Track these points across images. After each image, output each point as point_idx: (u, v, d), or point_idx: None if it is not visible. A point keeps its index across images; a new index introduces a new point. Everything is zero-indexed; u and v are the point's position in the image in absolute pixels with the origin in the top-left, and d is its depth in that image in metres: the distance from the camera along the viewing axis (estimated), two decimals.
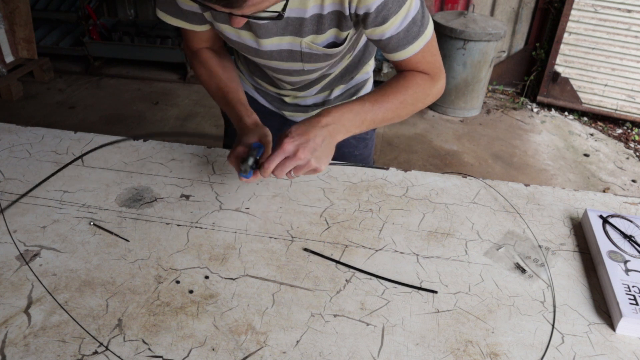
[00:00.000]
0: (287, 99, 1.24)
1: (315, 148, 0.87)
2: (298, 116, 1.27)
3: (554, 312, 0.80)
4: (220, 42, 1.12)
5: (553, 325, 0.78)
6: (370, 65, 1.27)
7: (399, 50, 0.96)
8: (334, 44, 0.98)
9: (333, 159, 1.03)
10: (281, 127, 1.31)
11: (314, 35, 0.95)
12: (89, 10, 4.03)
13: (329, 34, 0.96)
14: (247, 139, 0.95)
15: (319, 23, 0.93)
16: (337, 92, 1.23)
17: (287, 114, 1.28)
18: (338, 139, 0.93)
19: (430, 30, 0.96)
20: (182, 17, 1.00)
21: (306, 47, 0.98)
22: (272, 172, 0.87)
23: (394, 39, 0.94)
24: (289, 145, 0.86)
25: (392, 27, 0.91)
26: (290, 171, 0.88)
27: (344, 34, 0.95)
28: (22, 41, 3.80)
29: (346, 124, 0.92)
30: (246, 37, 0.98)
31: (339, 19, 0.93)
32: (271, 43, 0.97)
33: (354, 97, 1.25)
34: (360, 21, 0.92)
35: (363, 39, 1.14)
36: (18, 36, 3.78)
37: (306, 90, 1.19)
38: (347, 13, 0.91)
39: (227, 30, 0.99)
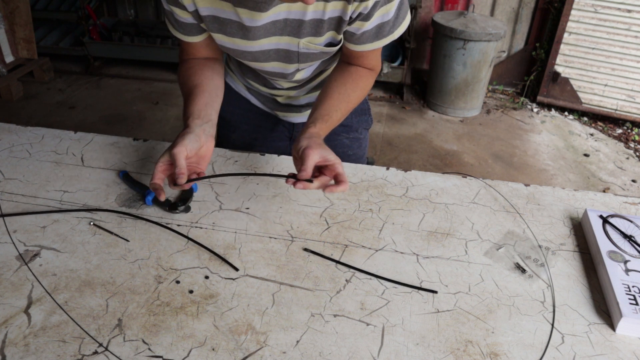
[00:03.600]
0: (279, 99, 1.24)
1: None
2: (291, 116, 1.27)
3: (554, 312, 0.80)
4: (215, 53, 1.09)
5: (552, 325, 0.78)
6: None
7: (363, 43, 0.98)
8: (330, 44, 0.99)
9: None
10: (274, 128, 1.31)
11: (312, 37, 0.96)
12: (89, 10, 4.03)
13: (327, 37, 0.97)
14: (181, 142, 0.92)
15: (318, 27, 0.94)
16: None
17: (280, 114, 1.28)
18: None
19: (400, 31, 0.98)
20: (179, 29, 1.01)
21: (304, 48, 0.98)
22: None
23: (365, 34, 0.96)
24: (330, 155, 0.90)
25: (370, 23, 0.93)
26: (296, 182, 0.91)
27: (340, 36, 0.97)
28: (22, 41, 3.80)
29: (324, 134, 0.99)
30: (240, 44, 0.98)
31: (338, 23, 0.94)
32: (269, 42, 0.97)
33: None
34: (354, 19, 0.93)
35: None
36: (18, 36, 3.78)
37: (298, 90, 1.20)
38: (347, 18, 0.92)
39: (220, 38, 0.99)
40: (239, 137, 1.32)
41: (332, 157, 0.90)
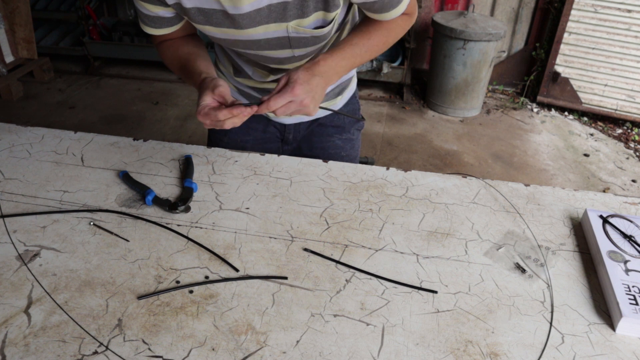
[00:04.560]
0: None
1: (314, 96, 0.92)
2: (282, 117, 1.26)
3: (552, 311, 0.80)
4: (190, 32, 1.09)
5: (551, 324, 0.78)
6: None
7: (384, 11, 0.97)
8: (320, 27, 0.97)
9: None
10: (265, 129, 1.30)
11: (299, 20, 0.94)
12: (89, 10, 4.03)
13: (315, 17, 0.94)
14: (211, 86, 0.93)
15: (302, 6, 0.91)
16: None
17: (271, 114, 1.27)
18: (331, 83, 0.98)
19: None
20: (150, 24, 1.00)
21: (293, 32, 0.96)
22: (274, 110, 0.91)
23: (377, 3, 0.95)
24: (300, 91, 0.90)
25: None
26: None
27: (332, 14, 0.94)
28: (22, 41, 3.80)
29: (339, 71, 0.97)
30: (229, 32, 0.97)
31: (325, 0, 0.92)
32: (256, 32, 0.96)
33: (340, 95, 1.26)
34: None
35: (348, 28, 1.13)
36: (18, 36, 3.78)
37: None
38: None
39: (209, 29, 0.98)
40: (230, 140, 1.31)
41: (292, 76, 0.91)
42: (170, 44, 1.07)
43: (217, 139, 1.34)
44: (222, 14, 0.93)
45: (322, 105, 1.24)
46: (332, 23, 0.97)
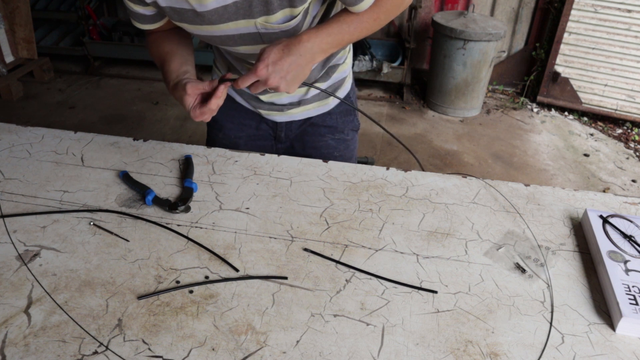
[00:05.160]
0: (262, 97, 1.24)
1: (285, 75, 0.91)
2: (274, 115, 1.27)
3: (552, 311, 0.80)
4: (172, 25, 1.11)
5: (551, 324, 0.78)
6: (348, 64, 1.27)
7: (355, 4, 0.95)
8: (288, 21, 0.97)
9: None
10: (258, 126, 1.31)
11: (265, 16, 0.94)
12: (89, 10, 4.03)
13: (282, 14, 0.94)
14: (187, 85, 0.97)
15: (267, 3, 0.92)
16: (313, 90, 1.23)
17: (263, 112, 1.27)
18: (316, 61, 0.96)
19: None
20: (137, 20, 1.05)
21: (262, 28, 0.97)
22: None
23: None
24: (262, 71, 0.90)
25: None
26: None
27: (298, 10, 0.94)
28: (22, 41, 3.80)
29: (324, 47, 0.96)
30: (204, 29, 0.99)
31: None
32: (228, 28, 0.98)
33: (334, 92, 1.25)
34: None
35: None
36: (18, 36, 3.78)
37: None
38: None
39: (186, 26, 1.01)
40: (224, 136, 1.33)
41: (262, 55, 0.91)
42: (155, 38, 1.10)
43: (214, 134, 1.36)
44: (192, 12, 0.95)
45: (308, 102, 1.24)
46: (299, 16, 0.96)
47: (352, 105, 1.27)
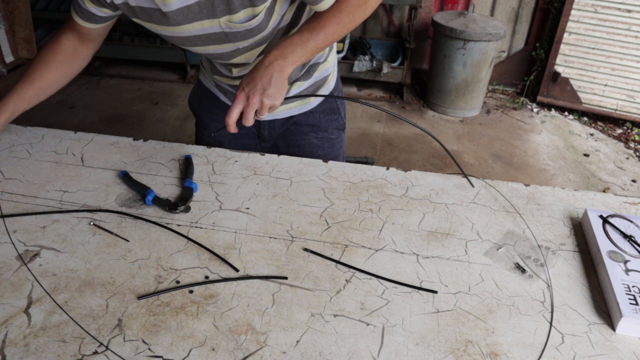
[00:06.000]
0: None
1: (264, 89, 0.94)
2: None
3: (552, 311, 0.80)
4: (90, 45, 1.16)
5: (551, 324, 0.78)
6: (330, 62, 1.27)
7: (319, 2, 0.97)
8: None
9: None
10: (242, 126, 1.31)
11: (228, 16, 0.96)
12: None
13: (244, 13, 0.96)
14: None
15: (229, 2, 0.94)
16: (294, 89, 1.22)
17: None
18: (287, 71, 0.97)
19: None
20: (80, 14, 1.05)
21: (226, 27, 0.99)
22: (240, 123, 0.95)
23: None
24: (240, 96, 0.94)
25: None
26: (256, 114, 0.95)
27: (259, 8, 0.96)
28: (22, 41, 3.80)
29: (289, 56, 0.97)
30: (170, 30, 1.01)
31: None
32: (194, 28, 0.99)
33: (317, 92, 1.26)
34: None
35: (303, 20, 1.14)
36: (18, 36, 3.78)
37: None
38: None
39: (154, 27, 1.02)
40: (209, 134, 1.35)
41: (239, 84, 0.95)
42: (53, 47, 1.12)
43: (200, 133, 1.39)
44: (159, 12, 0.97)
45: (290, 101, 1.25)
46: (260, 15, 0.98)
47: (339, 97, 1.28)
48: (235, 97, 0.94)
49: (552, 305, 0.81)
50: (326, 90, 1.28)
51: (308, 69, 1.21)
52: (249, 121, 0.95)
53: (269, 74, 0.94)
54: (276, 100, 0.95)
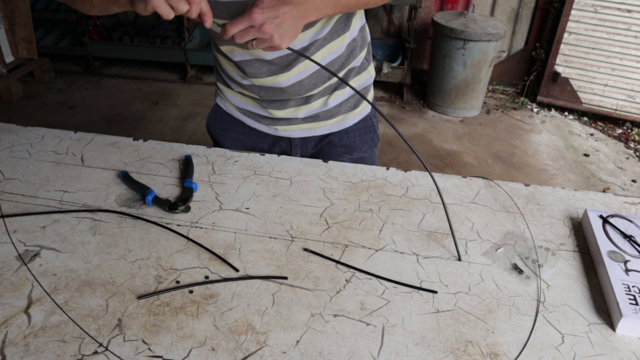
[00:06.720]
0: (278, 113, 1.18)
1: (281, 25, 0.85)
2: (291, 130, 1.22)
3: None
4: None
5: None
6: (369, 73, 1.23)
7: None
8: None
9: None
10: (271, 149, 1.26)
11: None
12: None
13: None
14: None
15: None
16: (333, 100, 1.18)
17: (280, 128, 1.22)
18: (309, 19, 0.91)
19: None
20: None
21: None
22: (233, 36, 0.86)
23: None
24: (257, 16, 0.84)
25: None
26: (252, 41, 0.87)
27: None
28: (22, 41, 3.81)
29: (319, 4, 0.91)
30: None
31: None
32: None
33: (356, 108, 1.21)
34: None
35: (357, 23, 1.09)
36: (18, 36, 3.78)
37: (298, 86, 1.12)
38: None
39: None
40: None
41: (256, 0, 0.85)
42: None
43: (213, 118, 1.31)
44: None
45: (331, 115, 1.19)
46: None
47: (376, 109, 1.21)
48: (251, 12, 0.84)
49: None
50: (365, 110, 1.24)
51: (347, 72, 1.16)
52: (241, 39, 0.86)
53: (292, 13, 0.86)
54: (284, 43, 0.87)
